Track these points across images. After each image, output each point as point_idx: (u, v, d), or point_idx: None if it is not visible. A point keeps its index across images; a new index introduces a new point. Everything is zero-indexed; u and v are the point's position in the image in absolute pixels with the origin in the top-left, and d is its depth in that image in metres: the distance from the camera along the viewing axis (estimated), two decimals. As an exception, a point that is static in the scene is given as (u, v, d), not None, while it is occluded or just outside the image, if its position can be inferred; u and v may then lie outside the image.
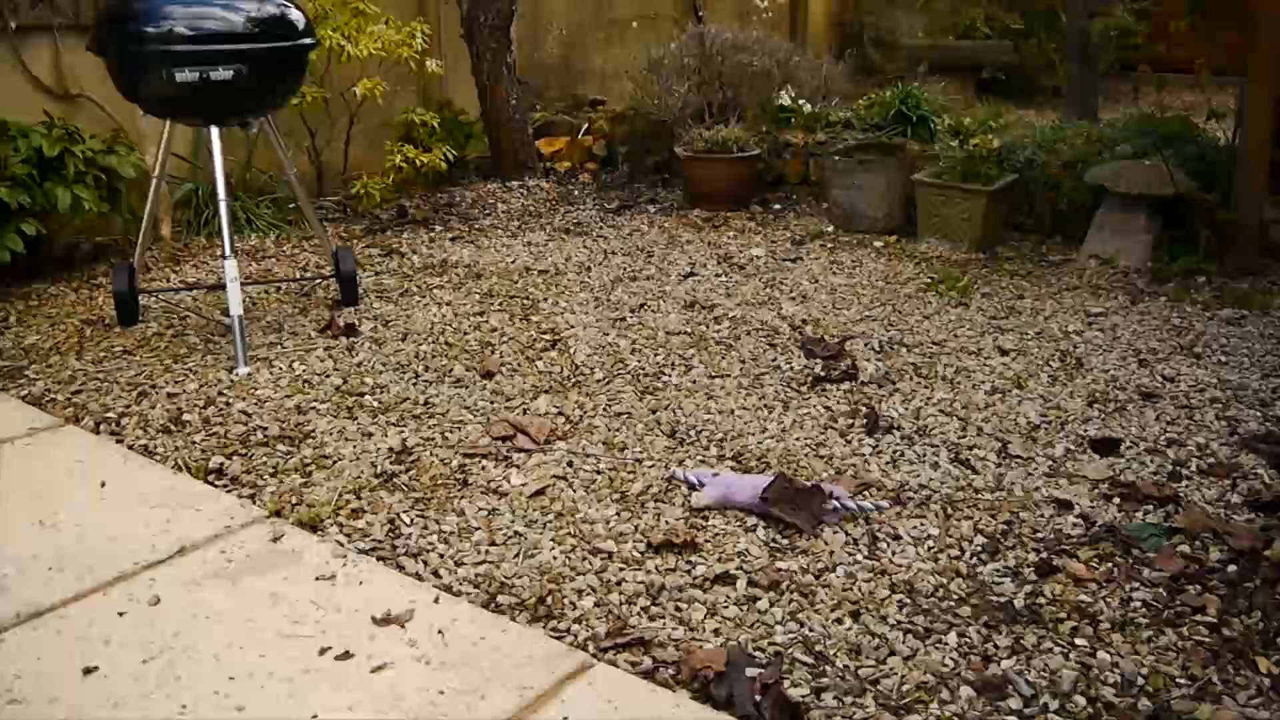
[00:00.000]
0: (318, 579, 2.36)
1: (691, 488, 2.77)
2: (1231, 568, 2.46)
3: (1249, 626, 2.25)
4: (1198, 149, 4.88)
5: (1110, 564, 2.48)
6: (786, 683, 2.07)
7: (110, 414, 3.21)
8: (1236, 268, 4.55)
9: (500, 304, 4.23)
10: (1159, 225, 4.75)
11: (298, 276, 4.58)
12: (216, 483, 2.81)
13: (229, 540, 2.50)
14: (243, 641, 2.14)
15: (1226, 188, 4.63)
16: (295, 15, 3.75)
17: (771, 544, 2.55)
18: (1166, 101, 5.19)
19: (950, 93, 7.21)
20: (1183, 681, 2.09)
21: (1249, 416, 3.24)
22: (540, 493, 2.78)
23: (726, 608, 2.31)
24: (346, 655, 2.10)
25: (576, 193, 6.09)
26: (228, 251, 3.63)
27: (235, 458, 2.95)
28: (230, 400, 3.31)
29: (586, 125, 6.79)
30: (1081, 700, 2.04)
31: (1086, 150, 5.12)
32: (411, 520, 2.65)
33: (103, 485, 2.75)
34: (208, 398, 3.33)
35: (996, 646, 2.19)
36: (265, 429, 3.12)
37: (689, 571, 2.43)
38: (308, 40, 3.80)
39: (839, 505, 2.65)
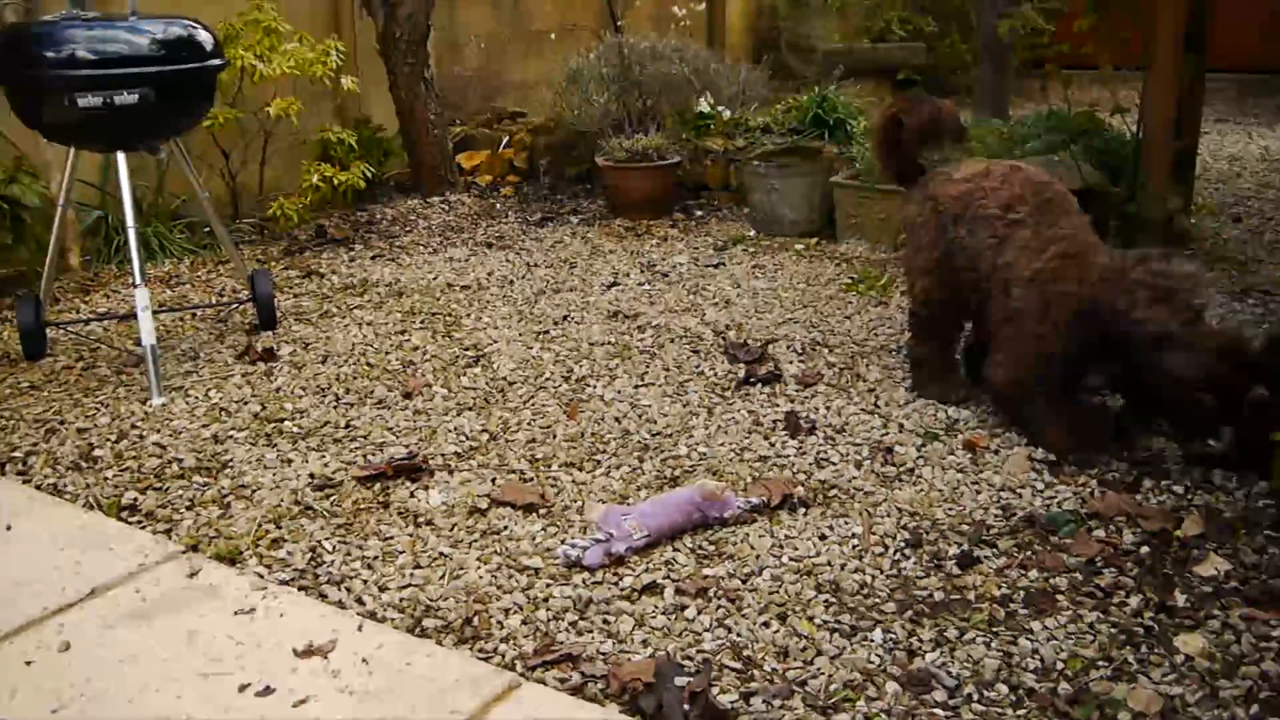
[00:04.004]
0: (237, 613, 2.30)
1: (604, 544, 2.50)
2: (1145, 549, 2.52)
3: (1162, 605, 2.30)
4: (1104, 143, 5.00)
5: (1029, 552, 2.52)
6: (715, 689, 2.07)
7: (16, 453, 3.11)
8: (1145, 256, 4.66)
9: (422, 322, 4.19)
10: (1070, 218, 4.85)
11: (214, 302, 4.49)
12: (130, 519, 2.74)
13: (143, 579, 2.44)
14: (159, 684, 2.08)
15: (1133, 180, 4.75)
16: (203, 36, 3.69)
17: (699, 551, 2.56)
18: (1075, 97, 5.30)
19: (867, 95, 7.31)
20: (1101, 663, 2.14)
21: (1160, 401, 3.32)
22: (466, 512, 2.75)
23: (654, 618, 2.31)
24: (267, 690, 2.05)
25: (498, 206, 6.06)
26: (138, 280, 3.55)
27: (150, 492, 2.87)
28: (144, 433, 3.23)
29: (507, 138, 6.76)
30: (1004, 688, 2.07)
31: (999, 147, 5.20)
32: (334, 547, 2.61)
33: (8, 528, 2.66)
34: (120, 431, 3.24)
35: (921, 640, 2.21)
36: (181, 461, 3.05)
37: (616, 584, 2.43)
38: (216, 61, 3.73)
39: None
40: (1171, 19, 4.48)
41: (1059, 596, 2.35)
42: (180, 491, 2.88)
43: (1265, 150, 7.23)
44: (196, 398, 3.49)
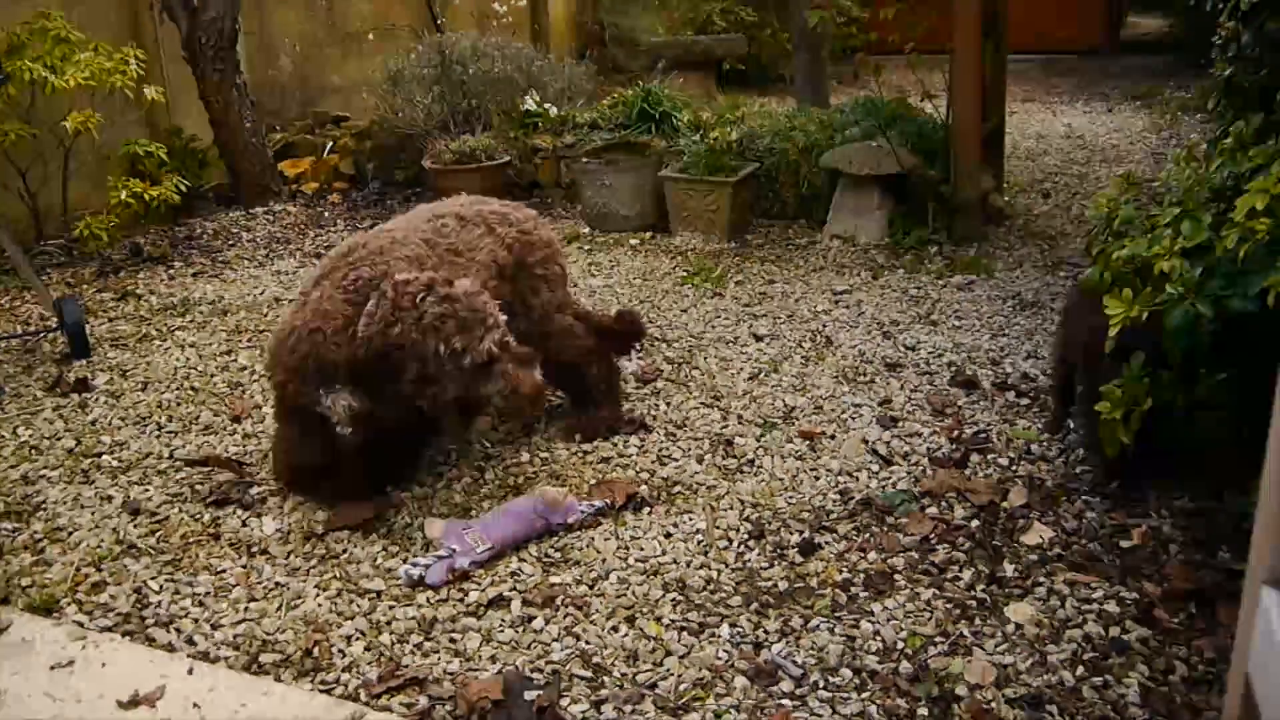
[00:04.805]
0: (53, 668, 2.16)
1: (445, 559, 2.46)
2: (975, 523, 2.62)
3: (992, 576, 2.40)
4: (917, 128, 5.18)
5: (868, 534, 2.59)
6: (566, 699, 2.06)
7: None
8: (963, 235, 4.87)
9: (249, 340, 4.01)
10: (891, 202, 5.02)
11: (18, 332, 4.20)
12: (-72, 576, 2.53)
13: (-55, 639, 2.26)
14: (-34, 752, 1.93)
15: (948, 162, 4.94)
16: (-25, 49, 3.44)
17: (545, 559, 2.53)
18: (890, 82, 5.48)
19: (692, 86, 7.39)
20: (938, 639, 2.21)
21: (983, 376, 3.47)
22: (302, 537, 2.65)
23: (502, 631, 2.27)
24: (90, 748, 1.93)
25: (327, 214, 5.87)
26: (-75, 315, 3.28)
27: (-49, 544, 2.67)
28: (-58, 479, 3.00)
29: (331, 143, 6.56)
30: (848, 673, 2.12)
31: (820, 135, 5.34)
32: (160, 586, 2.47)
33: None
34: (-85, 480, 3.00)
35: (767, 632, 2.25)
36: (-14, 507, 2.84)
37: (461, 600, 2.38)
38: (-5, 76, 3.49)
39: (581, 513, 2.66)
40: (969, 6, 4.67)
41: (897, 576, 2.42)
42: (-14, 541, 2.68)
43: (1068, 127, 7.65)
44: (2, 436, 3.25)
